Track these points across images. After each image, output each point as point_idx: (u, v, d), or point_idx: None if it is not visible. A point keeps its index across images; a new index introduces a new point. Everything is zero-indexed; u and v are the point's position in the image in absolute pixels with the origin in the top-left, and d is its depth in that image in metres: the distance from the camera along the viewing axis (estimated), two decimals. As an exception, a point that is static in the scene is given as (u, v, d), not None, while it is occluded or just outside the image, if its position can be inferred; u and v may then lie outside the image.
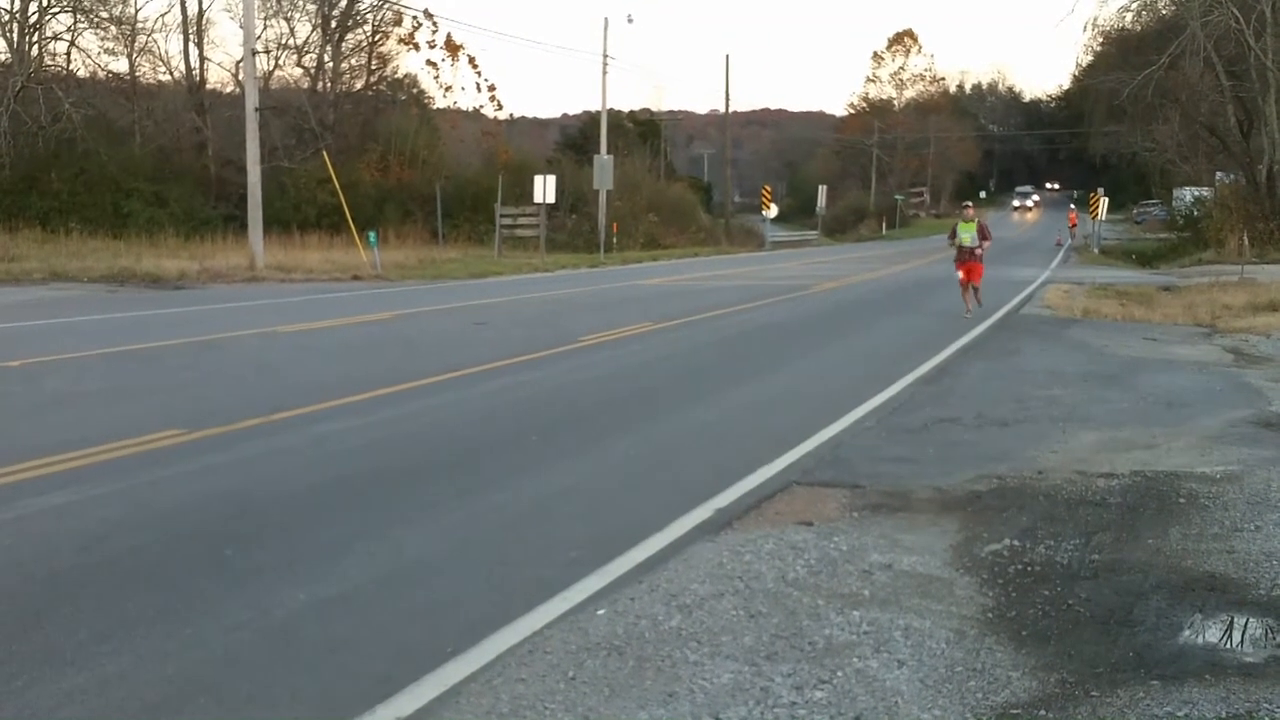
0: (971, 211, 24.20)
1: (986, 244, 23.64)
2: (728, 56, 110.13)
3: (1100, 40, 66.72)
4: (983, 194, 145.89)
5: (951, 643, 5.73)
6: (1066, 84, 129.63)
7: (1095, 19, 60.23)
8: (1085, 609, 6.21)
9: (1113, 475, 9.25)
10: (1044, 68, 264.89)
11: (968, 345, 18.39)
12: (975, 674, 5.35)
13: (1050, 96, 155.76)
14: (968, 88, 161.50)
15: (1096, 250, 59.09)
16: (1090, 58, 76.03)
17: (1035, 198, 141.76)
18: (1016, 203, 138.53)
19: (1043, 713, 4.94)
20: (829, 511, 8.21)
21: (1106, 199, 64.60)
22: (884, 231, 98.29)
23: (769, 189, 77.49)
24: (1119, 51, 60.96)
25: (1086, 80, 75.49)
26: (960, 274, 23.66)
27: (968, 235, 23.41)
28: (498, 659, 5.51)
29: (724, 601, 6.27)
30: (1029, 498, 8.59)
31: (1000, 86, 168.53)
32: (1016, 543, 7.41)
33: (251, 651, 5.62)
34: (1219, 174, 57.73)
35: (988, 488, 8.89)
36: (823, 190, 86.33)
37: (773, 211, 74.33)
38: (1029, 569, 6.89)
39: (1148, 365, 16.11)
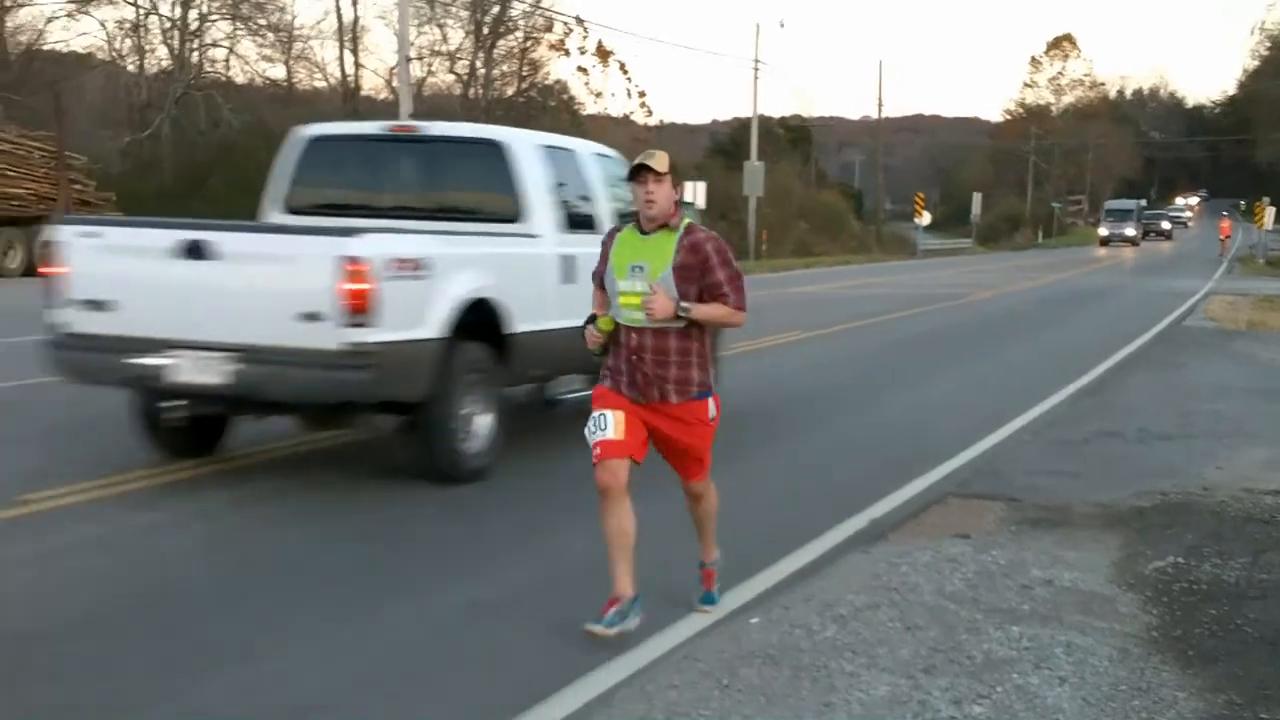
0: (671, 204, 5.63)
1: (729, 314, 5.75)
2: (881, 62, 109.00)
3: (1267, 45, 65.02)
4: (1143, 203, 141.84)
5: (1115, 661, 5.60)
6: (1231, 89, 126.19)
7: (1263, 22, 58.49)
8: (1254, 629, 6.03)
9: (1282, 493, 8.97)
10: (1207, 72, 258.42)
11: (1128, 358, 17.97)
12: (1140, 693, 5.22)
13: (1214, 102, 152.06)
14: (1128, 93, 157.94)
15: (1262, 260, 57.33)
16: (1257, 62, 74.14)
17: (1164, 225, 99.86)
18: (1105, 231, 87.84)
19: (1211, 736, 4.80)
20: (986, 524, 8.08)
21: (1273, 209, 62.59)
22: (1039, 240, 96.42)
23: (922, 196, 76.49)
24: (1288, 56, 59.32)
25: (1252, 85, 73.47)
26: (602, 461, 5.62)
27: (633, 291, 5.58)
28: (650, 665, 5.50)
29: (880, 613, 6.20)
30: (1194, 514, 8.35)
31: (1162, 92, 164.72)
32: (1181, 560, 7.22)
33: (408, 652, 5.68)
34: (1394, 181, 55.71)
35: (1151, 504, 8.67)
36: (977, 197, 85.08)
37: (925, 219, 73.25)
38: (1194, 587, 6.70)
39: (1318, 380, 15.60)
